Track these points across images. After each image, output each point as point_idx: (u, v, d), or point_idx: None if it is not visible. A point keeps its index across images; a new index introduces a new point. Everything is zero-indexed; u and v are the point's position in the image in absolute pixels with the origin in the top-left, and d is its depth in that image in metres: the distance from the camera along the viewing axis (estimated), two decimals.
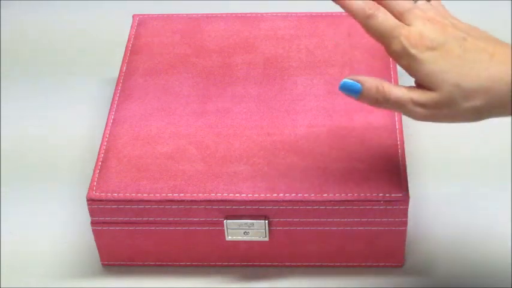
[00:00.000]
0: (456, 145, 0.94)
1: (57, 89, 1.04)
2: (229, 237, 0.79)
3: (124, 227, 0.80)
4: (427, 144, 0.94)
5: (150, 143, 0.82)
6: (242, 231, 0.79)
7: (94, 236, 0.81)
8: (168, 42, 0.94)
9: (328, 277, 0.82)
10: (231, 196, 0.77)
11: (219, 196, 0.77)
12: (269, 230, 0.79)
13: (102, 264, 0.84)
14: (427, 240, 0.85)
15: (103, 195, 0.78)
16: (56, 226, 0.89)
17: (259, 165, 0.79)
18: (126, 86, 0.89)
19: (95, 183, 0.79)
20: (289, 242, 0.80)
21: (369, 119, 0.83)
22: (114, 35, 1.08)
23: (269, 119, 0.84)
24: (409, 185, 0.78)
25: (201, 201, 0.77)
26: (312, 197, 0.77)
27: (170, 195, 0.78)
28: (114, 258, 0.83)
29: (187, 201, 0.77)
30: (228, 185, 0.78)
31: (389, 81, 0.87)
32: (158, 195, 0.78)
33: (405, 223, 0.78)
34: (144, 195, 0.78)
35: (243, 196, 0.77)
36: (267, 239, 0.79)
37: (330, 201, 0.77)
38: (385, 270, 0.82)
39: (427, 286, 0.81)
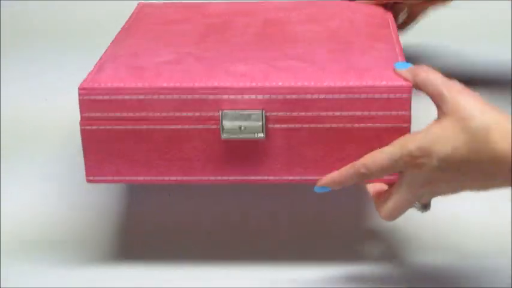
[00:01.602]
0: None
1: (60, 74, 1.05)
2: (225, 134, 0.76)
3: (115, 126, 0.77)
4: None
5: (148, 56, 0.81)
6: (238, 126, 0.75)
7: (82, 139, 0.77)
8: (169, 12, 0.96)
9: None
10: (228, 85, 0.75)
11: (215, 84, 0.75)
12: (266, 128, 0.75)
13: (88, 180, 0.79)
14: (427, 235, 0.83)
15: (96, 85, 0.76)
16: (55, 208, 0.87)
17: (259, 65, 0.78)
18: (126, 30, 0.90)
19: (90, 77, 0.77)
20: (285, 145, 0.76)
21: (370, 43, 0.83)
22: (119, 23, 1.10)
23: (269, 46, 0.84)
24: None
25: (197, 88, 0.75)
26: (312, 84, 0.75)
27: (165, 84, 0.76)
28: (100, 171, 0.78)
29: (182, 88, 0.75)
30: (226, 76, 0.76)
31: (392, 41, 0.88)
32: (153, 84, 0.75)
33: (409, 119, 0.75)
34: (139, 84, 0.76)
35: (240, 85, 0.75)
36: (263, 135, 0.75)
37: (330, 87, 0.74)
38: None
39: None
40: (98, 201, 0.94)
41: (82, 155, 0.92)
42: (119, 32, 0.90)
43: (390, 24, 0.90)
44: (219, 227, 0.88)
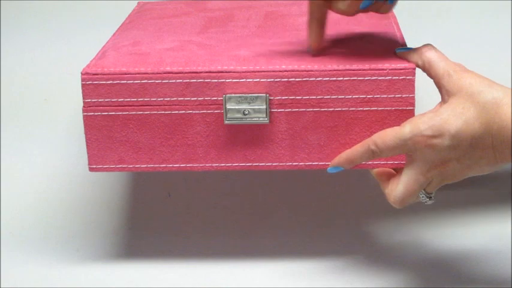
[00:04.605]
0: None
1: (59, 74, 1.04)
2: (228, 116, 0.75)
3: (117, 112, 0.76)
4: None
5: (150, 44, 0.81)
6: (242, 111, 0.75)
7: (85, 126, 0.77)
8: (170, 8, 0.96)
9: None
10: (232, 68, 0.75)
11: (219, 68, 0.75)
12: (270, 112, 0.75)
13: (90, 169, 0.78)
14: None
15: (99, 70, 0.76)
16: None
17: (262, 51, 0.78)
18: (127, 24, 0.90)
19: (92, 62, 0.77)
20: (289, 129, 0.76)
21: (372, 31, 0.83)
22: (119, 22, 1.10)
23: (271, 35, 0.84)
24: None
25: (200, 72, 0.75)
26: (315, 67, 0.74)
27: (168, 69, 0.75)
28: (103, 159, 0.78)
29: (185, 73, 0.75)
30: (229, 60, 0.76)
31: (394, 33, 0.88)
32: (156, 68, 0.75)
33: (413, 102, 0.75)
34: (142, 69, 0.75)
35: (244, 68, 0.75)
36: (267, 120, 0.75)
37: (334, 70, 0.74)
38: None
39: None
40: (98, 200, 0.93)
41: (82, 154, 0.91)
42: (120, 26, 0.90)
43: (390, 15, 0.90)
44: (222, 219, 0.88)
